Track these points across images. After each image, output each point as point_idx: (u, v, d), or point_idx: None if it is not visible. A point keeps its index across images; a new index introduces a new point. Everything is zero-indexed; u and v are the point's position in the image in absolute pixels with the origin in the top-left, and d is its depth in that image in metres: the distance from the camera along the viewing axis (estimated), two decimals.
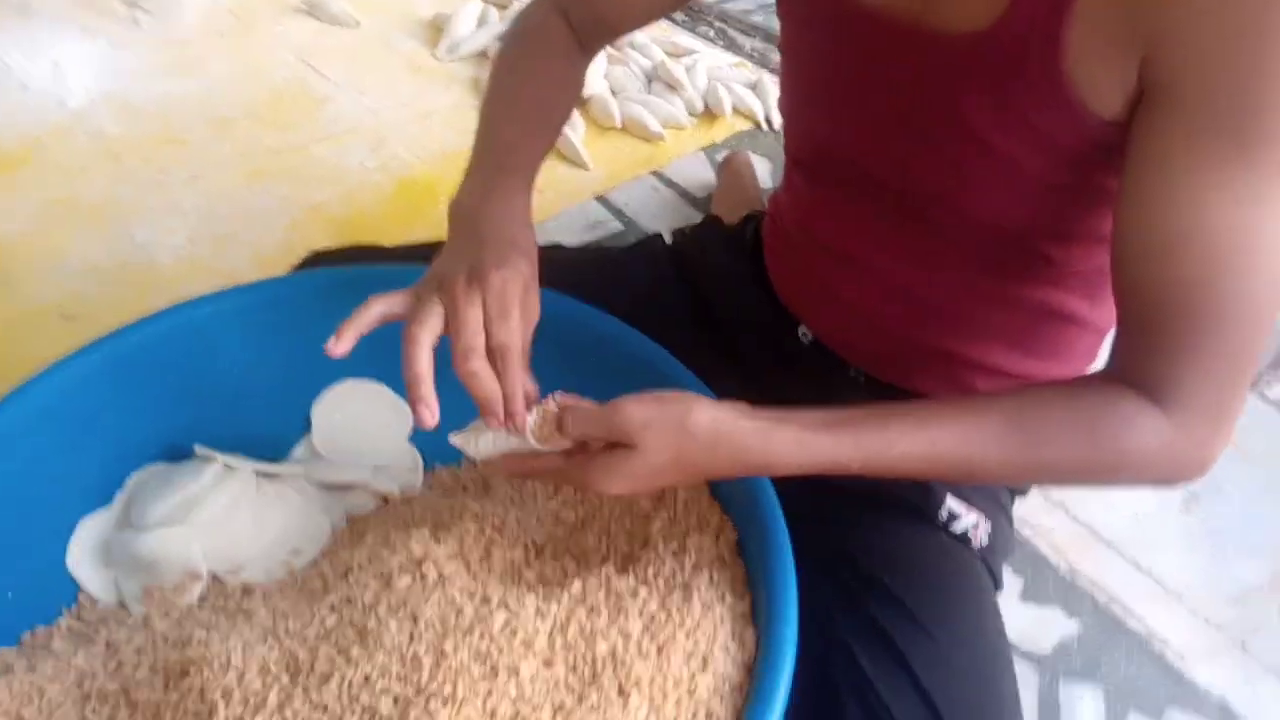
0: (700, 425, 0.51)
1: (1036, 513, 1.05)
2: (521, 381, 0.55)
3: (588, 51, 0.76)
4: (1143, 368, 0.51)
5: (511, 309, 0.55)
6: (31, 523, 0.65)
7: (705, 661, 0.54)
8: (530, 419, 0.55)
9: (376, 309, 0.56)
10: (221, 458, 0.71)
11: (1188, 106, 0.46)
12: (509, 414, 0.54)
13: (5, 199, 1.36)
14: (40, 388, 0.65)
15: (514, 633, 0.54)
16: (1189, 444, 0.50)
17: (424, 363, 0.53)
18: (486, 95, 0.71)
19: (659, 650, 0.54)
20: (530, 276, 0.58)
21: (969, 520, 0.68)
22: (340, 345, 0.54)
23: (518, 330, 0.55)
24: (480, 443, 0.57)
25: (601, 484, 0.53)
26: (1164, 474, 0.52)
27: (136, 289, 1.23)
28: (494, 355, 0.54)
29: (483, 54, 1.81)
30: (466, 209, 0.63)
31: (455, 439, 0.58)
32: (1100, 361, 0.72)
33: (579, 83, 0.76)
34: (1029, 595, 0.97)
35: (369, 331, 0.56)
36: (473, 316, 0.54)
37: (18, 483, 0.63)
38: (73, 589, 0.67)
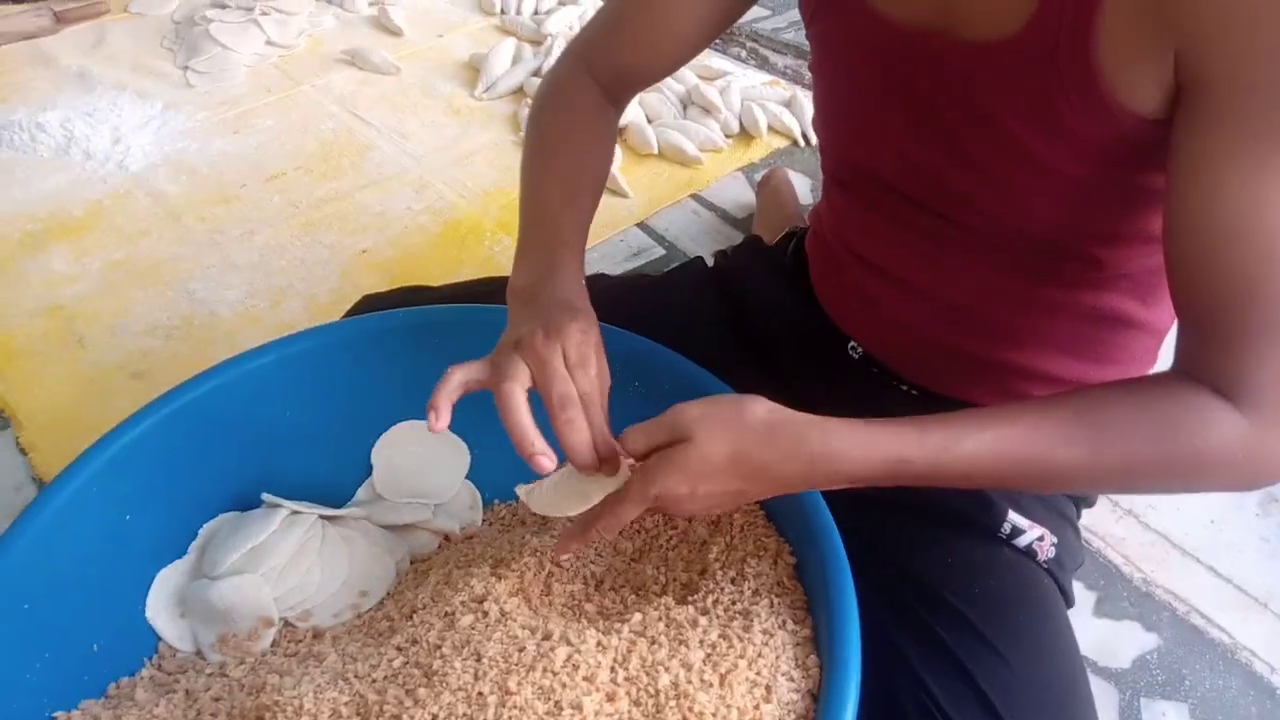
0: (756, 415, 0.51)
1: (1106, 522, 1.02)
2: (606, 425, 0.56)
3: (618, 105, 0.77)
4: (1211, 365, 0.49)
5: (589, 358, 0.57)
6: (112, 577, 0.67)
7: (769, 690, 0.54)
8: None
9: (457, 378, 0.58)
10: (288, 505, 0.73)
11: (1228, 103, 0.45)
12: (602, 460, 0.55)
13: (74, 264, 1.42)
14: (113, 445, 0.67)
15: (576, 668, 0.54)
16: (1267, 441, 0.49)
17: (525, 415, 0.55)
18: (525, 167, 0.72)
19: (721, 680, 0.54)
20: (600, 338, 0.60)
21: (1033, 534, 0.67)
22: (441, 421, 0.56)
23: (596, 380, 0.57)
24: (544, 493, 0.58)
25: (661, 483, 0.52)
26: (1243, 474, 0.50)
27: (198, 344, 1.27)
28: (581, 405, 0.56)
29: (519, 90, 1.85)
30: (525, 289, 0.64)
31: (521, 490, 0.60)
32: (1160, 364, 0.71)
33: (612, 139, 0.77)
34: (1103, 609, 0.94)
35: (458, 399, 0.58)
36: (559, 366, 0.56)
37: (97, 538, 0.66)
38: (153, 640, 0.69)
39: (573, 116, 0.74)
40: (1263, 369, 0.48)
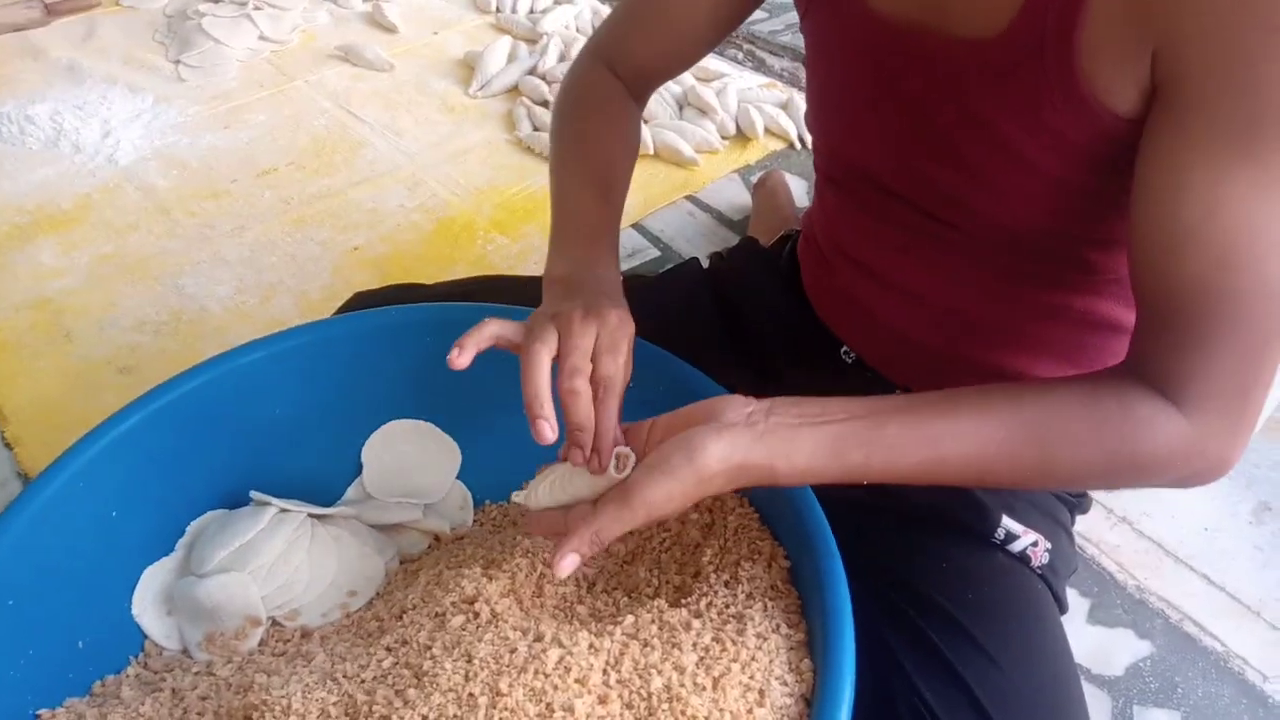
0: (714, 474, 0.51)
1: (1100, 529, 1.02)
2: (616, 419, 0.56)
3: (639, 100, 0.78)
4: (1159, 364, 0.50)
5: (622, 345, 0.57)
6: (98, 573, 0.66)
7: (762, 695, 0.53)
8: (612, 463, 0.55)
9: (492, 329, 0.58)
10: (277, 503, 0.72)
11: (1196, 106, 0.46)
12: (596, 449, 0.55)
13: (62, 257, 1.41)
14: (99, 441, 0.66)
15: (568, 670, 0.53)
16: (1207, 445, 0.49)
17: (544, 378, 0.55)
18: (554, 161, 0.73)
19: (714, 684, 0.53)
20: (634, 334, 0.60)
21: (1027, 540, 0.67)
22: (463, 357, 0.56)
23: (623, 369, 0.57)
24: (539, 493, 0.57)
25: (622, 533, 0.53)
26: (1182, 475, 0.51)
27: (187, 340, 1.26)
28: (598, 386, 0.56)
29: (514, 89, 1.84)
30: (563, 278, 0.64)
31: (516, 497, 0.59)
32: None
33: (637, 134, 0.78)
34: (1096, 616, 0.94)
35: (485, 349, 0.58)
36: (585, 343, 0.56)
37: (83, 534, 0.65)
38: (139, 637, 0.68)
39: (599, 114, 0.74)
40: (1207, 373, 0.48)
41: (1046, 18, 0.50)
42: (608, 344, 0.57)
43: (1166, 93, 0.47)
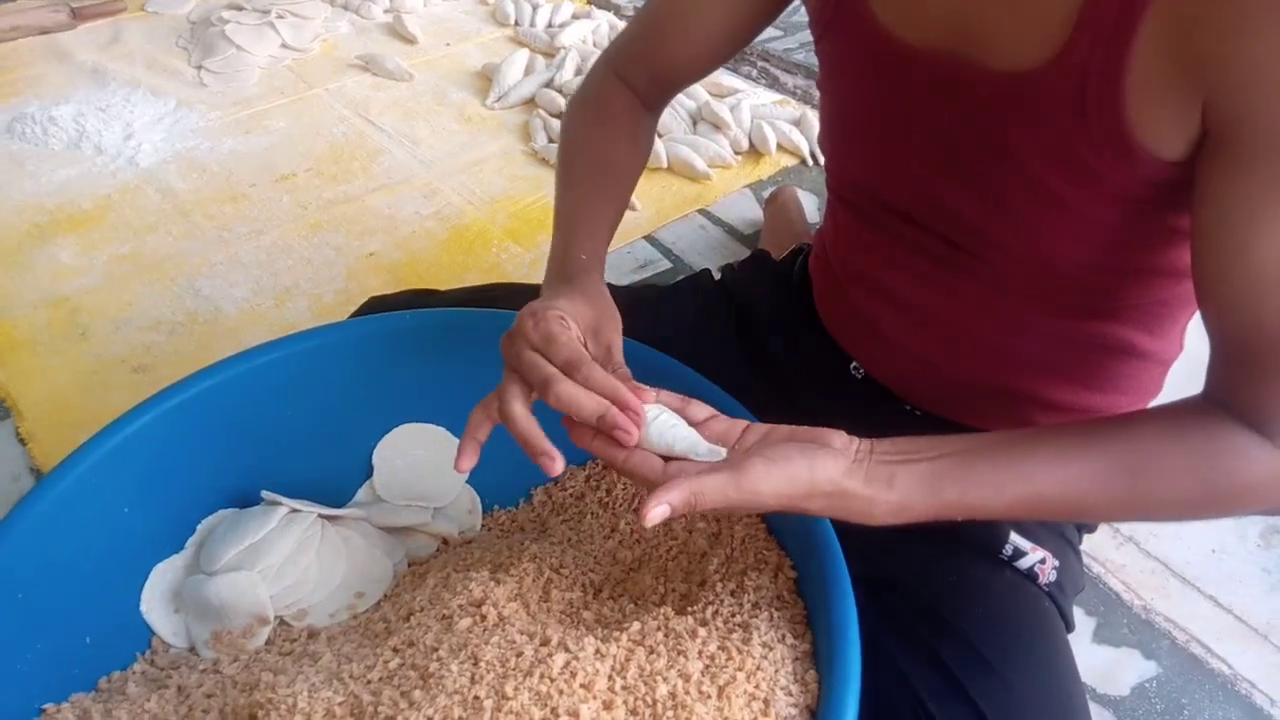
0: (822, 491, 0.51)
1: (1106, 549, 1.01)
2: (605, 379, 0.54)
3: (652, 109, 0.78)
4: (1244, 399, 0.50)
5: (554, 332, 0.55)
6: (108, 570, 0.67)
7: (767, 704, 0.53)
8: (652, 418, 0.54)
9: (479, 421, 0.58)
10: (287, 503, 0.72)
11: (1261, 153, 0.45)
12: (623, 407, 0.53)
13: (81, 257, 1.43)
14: (113, 438, 0.67)
15: (574, 675, 0.53)
16: None
17: (523, 422, 0.54)
18: (557, 168, 0.74)
19: (720, 692, 0.53)
20: (568, 308, 0.59)
21: (1035, 557, 0.66)
22: (466, 460, 0.58)
23: (571, 344, 0.55)
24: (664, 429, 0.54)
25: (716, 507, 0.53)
26: (1274, 506, 0.51)
27: (202, 340, 1.27)
28: (570, 373, 0.54)
29: (530, 101, 1.86)
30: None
31: (650, 408, 0.55)
32: (1164, 393, 0.71)
33: (645, 138, 0.78)
34: (1102, 636, 0.93)
35: (486, 439, 0.58)
36: (528, 358, 0.55)
37: (94, 530, 0.66)
38: (146, 634, 0.68)
39: (606, 121, 0.75)
40: None
41: (1092, 59, 0.49)
42: (540, 340, 0.55)
43: (1222, 139, 0.47)
